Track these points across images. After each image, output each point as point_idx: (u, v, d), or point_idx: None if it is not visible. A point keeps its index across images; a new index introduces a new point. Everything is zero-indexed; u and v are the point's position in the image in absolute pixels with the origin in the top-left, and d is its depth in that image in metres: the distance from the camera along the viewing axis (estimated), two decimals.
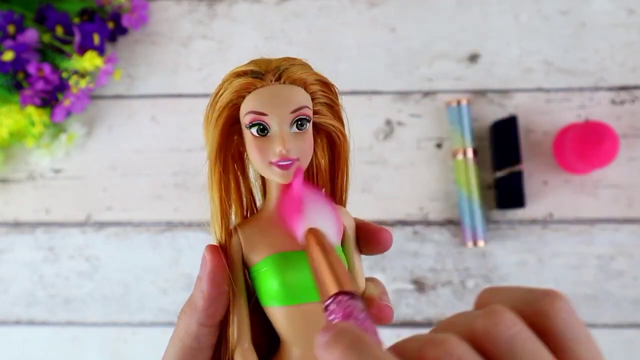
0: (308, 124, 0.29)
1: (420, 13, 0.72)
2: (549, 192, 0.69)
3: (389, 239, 0.31)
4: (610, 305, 0.67)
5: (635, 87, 0.69)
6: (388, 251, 0.75)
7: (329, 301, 0.24)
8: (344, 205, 0.32)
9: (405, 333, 0.72)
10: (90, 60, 0.64)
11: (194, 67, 0.72)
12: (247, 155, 0.30)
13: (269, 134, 0.28)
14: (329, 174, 0.32)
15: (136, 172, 0.71)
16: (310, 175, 0.32)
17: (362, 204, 0.68)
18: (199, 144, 0.71)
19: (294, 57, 0.30)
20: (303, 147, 0.29)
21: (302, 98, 0.29)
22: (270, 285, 0.28)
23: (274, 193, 0.30)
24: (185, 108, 0.72)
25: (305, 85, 0.29)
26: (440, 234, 0.68)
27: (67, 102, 0.65)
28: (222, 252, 0.29)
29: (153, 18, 0.74)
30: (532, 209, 0.68)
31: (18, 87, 0.64)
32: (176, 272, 0.69)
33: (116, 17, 0.71)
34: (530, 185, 0.68)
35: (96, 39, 0.66)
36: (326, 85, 0.30)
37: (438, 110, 0.69)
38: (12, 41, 0.62)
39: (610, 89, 0.69)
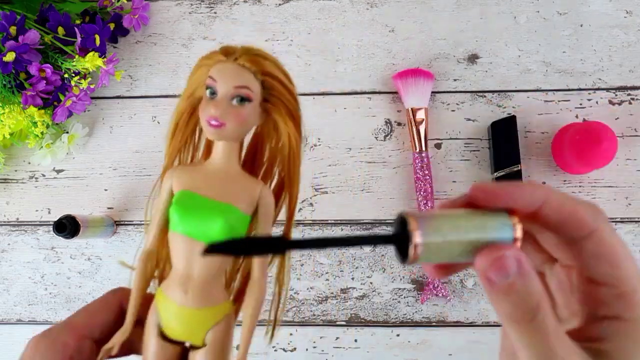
0: (247, 103, 0.33)
1: (420, 13, 0.72)
2: None
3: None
4: None
5: (633, 88, 0.69)
6: (387, 251, 0.74)
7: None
8: (293, 198, 0.35)
9: (405, 333, 0.72)
10: (91, 61, 0.64)
11: None
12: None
13: (216, 97, 0.33)
14: (283, 165, 0.35)
15: (137, 172, 0.72)
16: (255, 158, 0.36)
17: (362, 203, 0.69)
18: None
19: (267, 53, 0.34)
20: (234, 118, 0.32)
21: (247, 80, 0.33)
22: (173, 213, 0.33)
23: (219, 151, 0.34)
24: None
25: (257, 73, 0.33)
26: None
27: (68, 103, 0.66)
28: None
29: (154, 19, 0.74)
30: None
31: (20, 87, 0.64)
32: None
33: (117, 18, 0.71)
34: None
35: (97, 39, 0.66)
36: (287, 88, 0.34)
37: (437, 110, 0.69)
38: (14, 42, 0.62)
39: (609, 89, 0.69)
